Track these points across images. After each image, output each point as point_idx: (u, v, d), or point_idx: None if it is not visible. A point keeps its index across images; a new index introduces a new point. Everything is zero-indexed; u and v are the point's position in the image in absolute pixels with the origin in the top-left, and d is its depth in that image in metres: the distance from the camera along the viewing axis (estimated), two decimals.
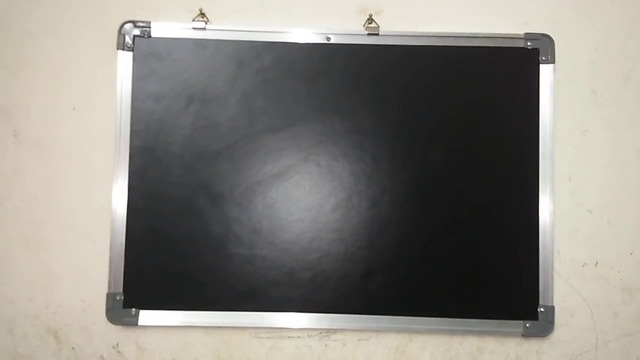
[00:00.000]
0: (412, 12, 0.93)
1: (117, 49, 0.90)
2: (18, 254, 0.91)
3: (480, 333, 0.89)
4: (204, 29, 0.91)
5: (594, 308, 0.91)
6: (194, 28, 0.91)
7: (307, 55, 0.91)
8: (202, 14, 0.92)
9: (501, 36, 0.91)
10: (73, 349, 0.91)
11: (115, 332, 0.90)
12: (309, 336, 0.90)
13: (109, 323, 0.89)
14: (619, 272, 0.92)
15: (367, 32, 0.91)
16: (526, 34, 0.91)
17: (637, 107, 0.94)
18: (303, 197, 0.90)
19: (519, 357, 0.91)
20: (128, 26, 0.91)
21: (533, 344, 0.91)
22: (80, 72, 0.93)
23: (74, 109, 0.93)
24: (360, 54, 0.91)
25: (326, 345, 0.90)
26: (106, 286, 0.88)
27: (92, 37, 0.93)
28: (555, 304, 0.89)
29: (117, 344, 0.90)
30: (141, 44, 0.91)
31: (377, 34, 0.91)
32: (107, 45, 0.92)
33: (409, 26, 0.92)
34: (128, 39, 0.90)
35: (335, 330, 0.90)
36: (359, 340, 0.90)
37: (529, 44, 0.91)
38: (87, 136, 0.92)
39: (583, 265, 0.92)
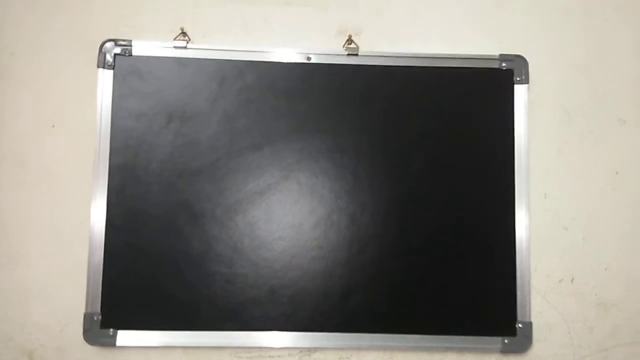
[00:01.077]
0: (391, 33, 0.96)
1: (98, 67, 0.90)
2: None
3: (460, 350, 0.90)
4: (185, 47, 0.92)
5: (571, 323, 0.93)
6: (175, 47, 0.92)
7: (288, 74, 0.92)
8: (184, 33, 0.93)
9: (477, 57, 0.93)
10: None
11: (93, 354, 0.88)
12: (289, 355, 0.90)
13: (86, 344, 0.87)
14: (594, 287, 0.94)
15: (346, 53, 0.93)
16: (501, 55, 0.94)
17: (609, 124, 0.96)
18: (284, 215, 0.90)
19: None
20: (109, 44, 0.91)
21: None
22: (60, 90, 0.93)
23: (53, 126, 0.92)
24: (340, 73, 0.92)
25: None
26: (83, 306, 0.87)
27: (73, 55, 0.93)
28: (532, 320, 0.90)
29: None
30: (122, 62, 0.91)
31: (357, 54, 0.93)
32: (87, 63, 0.92)
33: (387, 47, 0.94)
34: (109, 57, 0.91)
35: (316, 349, 0.90)
36: (339, 358, 0.90)
37: (503, 64, 0.93)
38: (67, 153, 0.92)
39: (560, 281, 0.93)
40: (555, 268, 0.93)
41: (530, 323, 0.90)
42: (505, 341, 0.89)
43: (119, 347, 0.87)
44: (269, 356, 0.89)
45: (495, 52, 0.94)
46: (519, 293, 0.90)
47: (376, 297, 0.89)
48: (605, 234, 0.94)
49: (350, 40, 0.94)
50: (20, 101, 0.92)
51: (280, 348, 0.89)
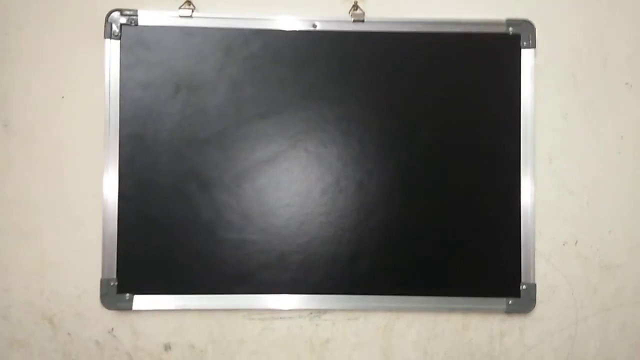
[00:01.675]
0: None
1: (105, 37, 0.91)
2: (12, 243, 0.92)
3: (465, 310, 0.93)
4: (190, 16, 0.92)
5: (574, 285, 0.95)
6: (180, 16, 0.92)
7: (293, 42, 0.92)
8: (189, 2, 0.93)
9: (483, 22, 0.93)
10: (69, 334, 0.92)
11: (110, 317, 0.92)
12: (299, 317, 0.93)
13: (104, 308, 0.91)
14: (597, 250, 0.95)
15: (352, 19, 0.92)
16: (508, 19, 0.93)
17: (616, 90, 0.96)
18: (292, 182, 0.92)
19: (502, 333, 0.94)
20: (115, 15, 0.91)
21: (516, 320, 0.94)
22: (68, 61, 0.93)
23: (63, 97, 0.93)
24: (346, 40, 0.92)
25: (317, 325, 0.93)
26: (100, 272, 0.90)
27: (80, 26, 0.93)
28: (537, 282, 0.92)
29: (112, 329, 0.92)
30: (128, 33, 0.91)
31: (363, 21, 0.92)
32: (94, 34, 0.92)
33: (393, 13, 0.94)
34: (115, 28, 0.91)
35: (325, 311, 0.93)
36: (348, 319, 0.93)
37: (510, 29, 0.93)
38: (77, 125, 0.93)
39: (564, 244, 0.95)
40: (560, 231, 0.95)
41: (534, 285, 0.92)
42: (510, 302, 0.92)
43: (135, 310, 0.90)
44: (280, 317, 0.93)
45: (502, 16, 0.93)
46: (523, 256, 0.92)
47: (383, 261, 0.91)
48: (609, 198, 0.95)
49: (355, 6, 0.93)
50: (29, 74, 0.93)
51: (290, 310, 0.92)
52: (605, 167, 0.96)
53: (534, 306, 0.93)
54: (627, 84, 0.96)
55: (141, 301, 0.90)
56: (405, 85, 0.92)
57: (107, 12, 0.91)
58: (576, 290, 0.95)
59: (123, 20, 0.91)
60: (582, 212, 0.95)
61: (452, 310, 0.92)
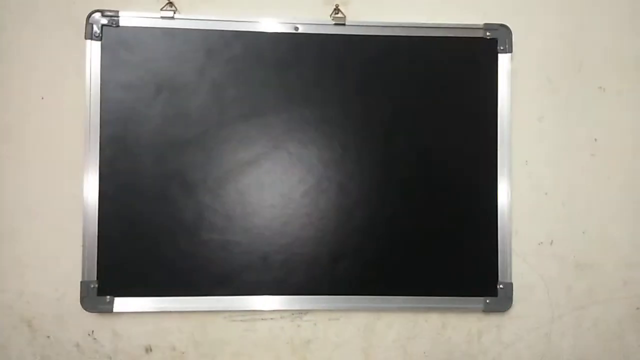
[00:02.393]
0: (377, 3, 0.96)
1: (86, 38, 0.90)
2: None
3: (444, 310, 0.94)
4: (172, 18, 0.92)
5: (550, 284, 0.97)
6: (162, 17, 0.92)
7: (275, 44, 0.93)
8: (171, 3, 0.93)
9: (462, 26, 0.95)
10: (48, 337, 0.92)
11: (91, 320, 0.91)
12: (281, 317, 0.94)
13: (84, 311, 0.90)
14: (572, 250, 0.98)
15: (333, 22, 0.94)
16: (485, 24, 0.95)
17: (590, 93, 0.99)
18: (274, 183, 0.93)
19: (480, 332, 0.96)
20: (96, 15, 0.91)
21: (493, 319, 0.96)
22: (49, 62, 0.93)
23: (43, 98, 0.92)
24: (328, 43, 0.93)
25: (298, 325, 0.94)
26: (80, 275, 0.89)
27: (61, 27, 0.93)
28: (513, 281, 0.95)
29: (93, 331, 0.92)
30: (109, 33, 0.91)
31: (344, 24, 0.93)
32: (75, 35, 0.92)
33: (374, 16, 0.95)
34: (96, 29, 0.91)
35: (307, 311, 0.94)
36: (329, 320, 0.94)
37: (487, 34, 0.95)
38: (57, 125, 0.92)
39: (539, 244, 0.98)
40: (536, 232, 0.97)
41: (511, 284, 0.94)
42: (487, 301, 0.94)
43: (115, 312, 0.90)
44: (262, 319, 0.93)
45: (480, 21, 0.96)
46: (500, 255, 0.94)
47: (364, 262, 0.92)
48: (584, 199, 0.98)
49: (337, 10, 0.95)
50: (9, 74, 0.92)
51: (272, 311, 0.93)
52: (580, 169, 0.98)
53: (511, 305, 0.95)
54: (600, 87, 0.99)
55: (122, 303, 0.90)
56: (384, 87, 0.94)
57: (88, 13, 0.91)
58: (552, 289, 0.97)
59: (104, 21, 0.91)
60: (557, 212, 0.98)
61: (431, 309, 0.94)
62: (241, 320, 0.93)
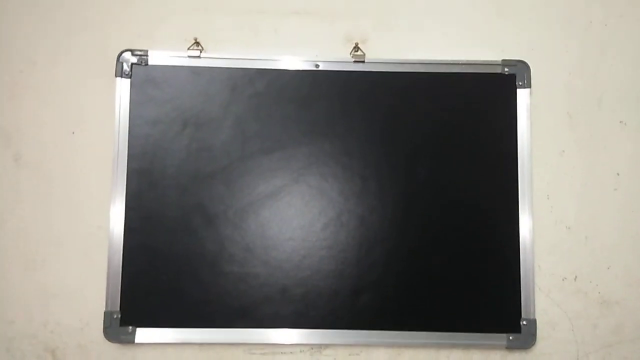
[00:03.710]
0: (396, 41, 0.99)
1: (116, 76, 0.95)
2: (17, 275, 0.94)
3: (466, 346, 0.93)
4: (198, 57, 0.96)
5: (574, 321, 0.95)
6: (189, 56, 0.96)
7: (297, 81, 0.96)
8: (197, 43, 0.97)
9: (480, 62, 0.96)
10: None
11: (113, 350, 0.92)
12: (300, 351, 0.93)
13: (107, 341, 0.91)
14: (597, 285, 0.96)
15: (353, 60, 0.96)
16: (503, 60, 0.97)
17: (610, 128, 0.99)
18: (294, 216, 0.94)
19: None
20: (126, 54, 0.95)
21: (517, 356, 0.94)
22: (80, 98, 0.97)
23: (73, 133, 0.96)
24: (347, 80, 0.96)
25: None
26: (103, 305, 0.91)
27: (92, 65, 0.97)
28: (537, 317, 0.93)
29: None
30: (139, 72, 0.95)
31: (363, 61, 0.96)
32: (106, 73, 0.96)
33: (392, 54, 0.98)
34: (126, 67, 0.95)
35: (327, 346, 0.93)
36: (349, 355, 0.93)
37: (506, 69, 0.96)
38: (86, 160, 0.96)
39: (563, 280, 0.96)
40: (559, 267, 0.96)
41: (535, 320, 0.92)
42: (510, 338, 0.92)
43: (137, 343, 0.91)
44: (281, 352, 0.93)
45: (498, 57, 0.97)
46: (523, 291, 0.92)
47: (385, 296, 0.92)
48: (607, 233, 0.97)
49: (357, 48, 0.97)
50: (41, 109, 0.97)
51: (291, 345, 0.92)
52: (602, 204, 0.97)
53: (535, 342, 0.93)
54: (621, 122, 0.99)
55: (144, 334, 0.90)
56: (404, 122, 0.95)
57: (118, 52, 0.95)
58: (576, 326, 0.95)
59: (134, 59, 0.95)
60: (580, 247, 0.96)
61: (453, 345, 0.93)
62: (260, 354, 0.93)
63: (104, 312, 0.91)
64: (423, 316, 0.92)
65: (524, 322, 0.92)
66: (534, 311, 0.93)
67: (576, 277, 0.96)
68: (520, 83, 0.96)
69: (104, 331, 0.91)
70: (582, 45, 1.00)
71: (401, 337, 0.91)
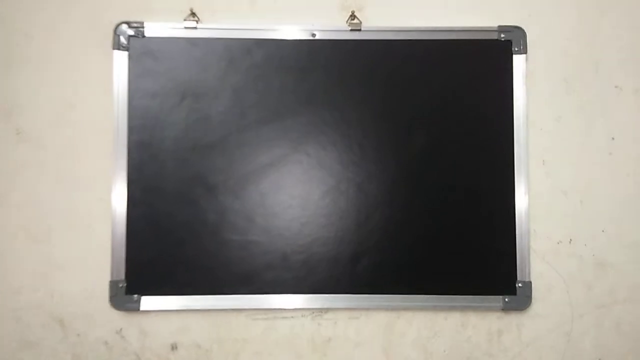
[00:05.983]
0: (392, 8, 0.99)
1: (113, 48, 0.95)
2: (22, 247, 0.95)
3: (463, 308, 0.95)
4: (195, 28, 0.96)
5: (569, 283, 0.97)
6: (185, 27, 0.96)
7: (294, 51, 0.96)
8: (193, 14, 0.97)
9: (476, 29, 0.96)
10: (78, 335, 0.95)
11: (119, 318, 0.95)
12: (302, 316, 0.95)
13: (113, 309, 0.93)
14: (591, 248, 0.98)
15: (350, 28, 0.96)
16: (499, 26, 0.97)
17: (607, 94, 0.99)
18: (294, 185, 0.95)
19: (500, 330, 0.96)
20: (123, 27, 0.95)
21: (513, 318, 0.96)
22: (78, 72, 0.97)
23: (73, 106, 0.97)
24: (344, 48, 0.96)
25: (319, 324, 0.96)
26: (108, 275, 0.93)
27: (89, 38, 0.97)
28: (532, 280, 0.95)
29: (121, 329, 0.95)
30: (136, 44, 0.95)
31: (360, 30, 0.96)
32: (103, 45, 0.96)
33: (389, 21, 0.98)
34: (123, 39, 0.95)
35: (327, 310, 0.95)
36: (349, 318, 0.96)
37: (502, 35, 0.96)
38: (86, 132, 0.97)
39: (558, 243, 0.98)
40: (554, 231, 0.98)
41: (530, 282, 0.95)
42: (506, 300, 0.94)
43: (142, 311, 0.93)
44: (283, 317, 0.95)
45: (494, 23, 0.97)
46: (518, 254, 0.94)
47: (383, 261, 0.94)
48: (602, 197, 0.98)
49: (353, 16, 0.97)
50: (39, 83, 0.97)
51: (293, 309, 0.95)
52: (598, 168, 0.99)
53: (530, 304, 0.95)
54: (617, 87, 1.00)
55: (148, 302, 0.93)
56: (401, 90, 0.96)
57: (115, 24, 0.95)
58: (571, 288, 0.97)
59: (131, 32, 0.95)
60: (575, 211, 0.98)
61: (450, 308, 0.95)
62: (263, 319, 0.95)
63: (110, 282, 0.93)
64: (421, 280, 0.94)
65: (520, 285, 0.94)
66: (530, 274, 0.95)
67: (571, 240, 0.98)
68: (516, 49, 0.96)
69: (110, 300, 0.93)
70: (579, 10, 1.00)
71: (400, 300, 0.94)
